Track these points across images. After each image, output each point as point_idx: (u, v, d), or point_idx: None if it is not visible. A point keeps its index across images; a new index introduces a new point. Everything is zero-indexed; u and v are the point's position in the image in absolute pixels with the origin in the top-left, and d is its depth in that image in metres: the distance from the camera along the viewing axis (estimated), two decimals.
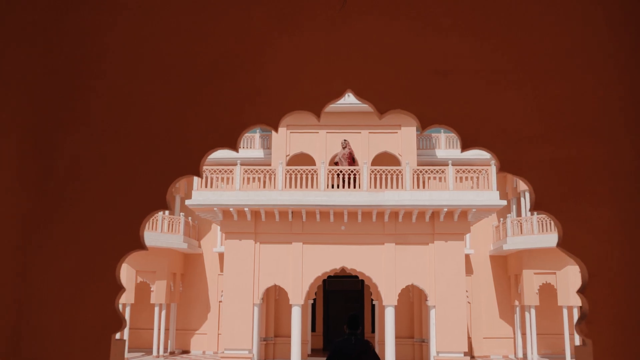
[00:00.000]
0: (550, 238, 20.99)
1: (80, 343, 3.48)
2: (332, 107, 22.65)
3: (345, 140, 21.33)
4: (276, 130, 3.92)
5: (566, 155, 3.54)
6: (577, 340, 20.83)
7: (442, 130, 25.63)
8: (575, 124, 3.58)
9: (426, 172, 19.42)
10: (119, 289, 3.67)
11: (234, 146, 3.87)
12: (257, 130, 26.08)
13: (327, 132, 23.03)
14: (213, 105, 3.80)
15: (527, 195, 23.05)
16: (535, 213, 22.00)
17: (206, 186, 19.42)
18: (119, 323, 3.61)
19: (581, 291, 3.40)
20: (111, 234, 3.69)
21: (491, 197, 18.56)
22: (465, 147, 3.81)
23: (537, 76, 3.68)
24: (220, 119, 3.82)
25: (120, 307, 21.56)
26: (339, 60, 3.72)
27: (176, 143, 3.81)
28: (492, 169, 19.04)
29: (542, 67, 3.68)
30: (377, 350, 20.33)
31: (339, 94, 3.88)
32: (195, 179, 19.26)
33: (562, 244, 3.52)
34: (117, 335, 3.61)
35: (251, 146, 25.86)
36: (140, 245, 3.78)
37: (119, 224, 3.71)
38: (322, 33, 3.76)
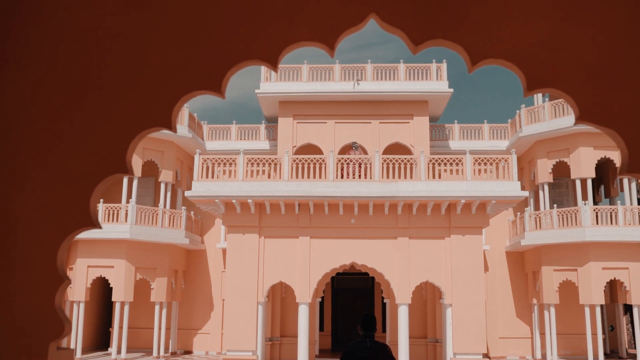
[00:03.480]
0: (571, 233, 20.16)
1: (5, 354, 2.68)
2: (340, 95, 21.99)
3: (355, 142, 20.63)
4: (275, 69, 3.01)
5: None
6: (600, 341, 19.91)
7: (455, 121, 24.76)
8: None
9: (442, 161, 18.42)
10: (61, 280, 2.77)
11: (219, 90, 2.97)
12: (263, 121, 25.36)
13: (335, 122, 22.46)
14: (190, 37, 2.94)
15: (546, 188, 22.15)
16: (555, 206, 21.08)
17: (207, 176, 18.49)
18: (60, 327, 2.71)
19: None
20: (53, 206, 2.83)
21: (512, 187, 17.55)
22: (530, 89, 2.94)
23: None
24: (201, 56, 2.95)
25: (119, 305, 20.76)
26: None
27: (141, 88, 2.91)
28: (513, 158, 18.00)
29: None
30: None
31: (359, 21, 3.04)
32: (196, 169, 18.37)
33: None
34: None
35: (256, 137, 25.22)
36: (90, 221, 2.84)
37: (63, 193, 2.84)
38: None
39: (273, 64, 2.92)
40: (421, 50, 3.06)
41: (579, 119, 2.86)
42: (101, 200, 21.39)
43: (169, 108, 2.90)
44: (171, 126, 2.93)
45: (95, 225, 2.85)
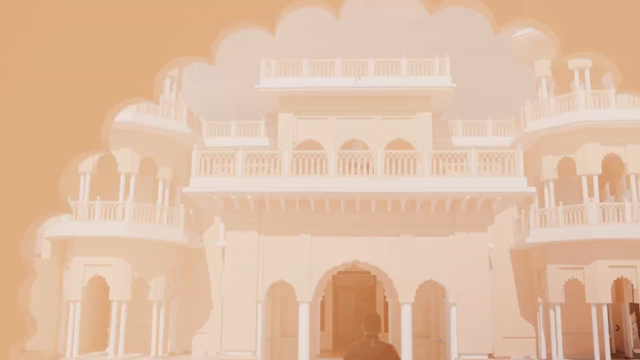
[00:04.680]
0: (577, 230, 19.80)
1: None
2: (342, 91, 21.65)
3: (357, 141, 20.39)
4: (272, 32, 2.60)
5: None
6: (607, 340, 19.54)
7: (458, 117, 24.37)
8: None
9: (446, 157, 18.03)
10: (25, 273, 2.39)
11: (207, 55, 2.61)
12: (263, 118, 24.98)
13: (337, 118, 22.14)
14: None
15: (552, 185, 21.71)
16: (560, 203, 20.70)
17: (205, 172, 18.12)
18: (23, 327, 2.34)
19: None
20: (16, 188, 2.43)
21: (518, 183, 17.14)
22: (566, 52, 2.59)
23: None
24: (187, 15, 2.56)
25: (116, 304, 20.41)
26: None
27: (119, 52, 2.51)
28: (519, 153, 17.59)
29: None
30: None
31: None
32: (193, 165, 17.94)
33: None
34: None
35: (256, 134, 24.87)
36: (59, 205, 2.47)
37: (28, 172, 2.43)
38: None
39: (270, 27, 2.55)
40: (440, 9, 2.69)
41: (622, 86, 2.50)
42: (98, 197, 21.04)
43: (150, 76, 2.54)
44: (152, 96, 2.56)
45: (65, 210, 2.48)
